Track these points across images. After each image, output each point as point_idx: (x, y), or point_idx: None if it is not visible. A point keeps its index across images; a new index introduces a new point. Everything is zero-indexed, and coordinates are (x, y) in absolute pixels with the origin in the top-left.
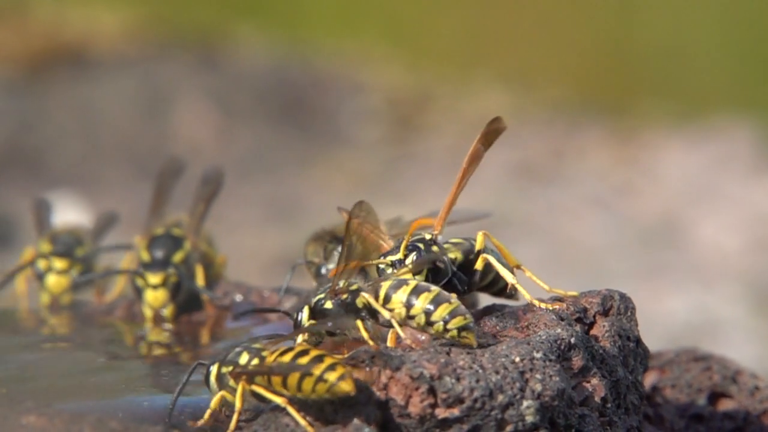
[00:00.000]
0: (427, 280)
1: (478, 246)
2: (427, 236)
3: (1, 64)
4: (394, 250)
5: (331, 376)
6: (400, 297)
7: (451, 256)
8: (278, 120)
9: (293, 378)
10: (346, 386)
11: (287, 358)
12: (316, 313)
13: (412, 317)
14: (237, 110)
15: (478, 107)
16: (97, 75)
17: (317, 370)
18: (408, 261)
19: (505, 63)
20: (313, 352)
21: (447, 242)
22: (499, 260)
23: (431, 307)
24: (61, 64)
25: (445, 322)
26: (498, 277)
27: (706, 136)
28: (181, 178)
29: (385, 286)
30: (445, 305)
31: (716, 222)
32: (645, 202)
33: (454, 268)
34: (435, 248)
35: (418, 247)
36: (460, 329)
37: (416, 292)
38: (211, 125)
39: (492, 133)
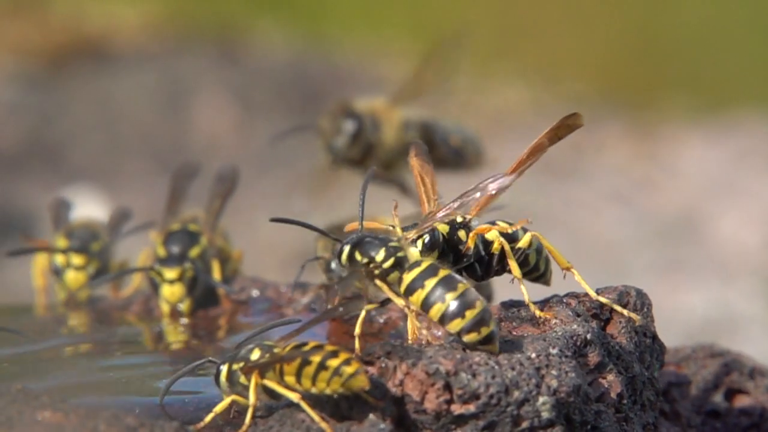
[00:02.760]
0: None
1: (522, 244)
2: (459, 219)
3: (22, 58)
4: (411, 227)
5: (347, 370)
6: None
7: (488, 237)
8: (297, 114)
9: (308, 371)
10: (361, 380)
11: (300, 351)
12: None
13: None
14: (256, 104)
15: (497, 101)
16: (117, 69)
17: (333, 363)
18: (419, 244)
19: (526, 57)
20: (328, 348)
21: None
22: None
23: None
24: (81, 59)
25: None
26: (534, 263)
27: (726, 131)
28: (195, 179)
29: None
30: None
31: (735, 217)
32: (664, 197)
33: (482, 252)
34: (461, 232)
35: (434, 228)
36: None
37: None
38: (230, 119)
39: (564, 128)
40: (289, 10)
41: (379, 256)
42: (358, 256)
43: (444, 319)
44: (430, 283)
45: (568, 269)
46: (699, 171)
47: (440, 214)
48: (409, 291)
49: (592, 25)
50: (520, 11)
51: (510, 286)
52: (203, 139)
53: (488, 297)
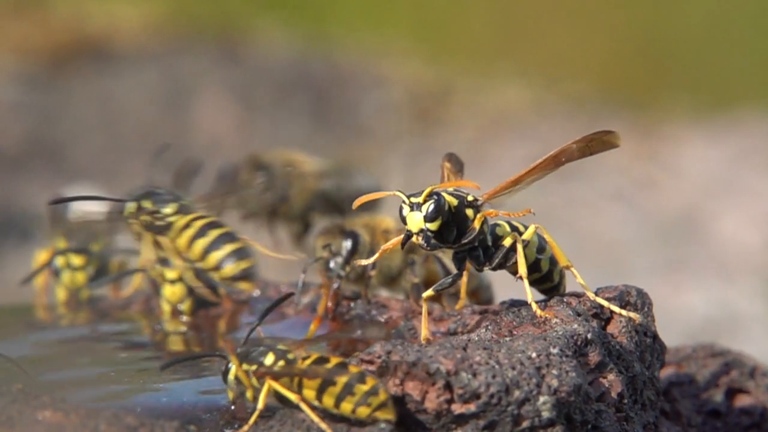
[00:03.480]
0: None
1: (526, 236)
2: (470, 198)
3: (23, 57)
4: (418, 194)
5: (375, 400)
6: None
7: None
8: (299, 113)
9: (331, 393)
10: (389, 414)
11: (324, 369)
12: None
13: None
14: (258, 103)
15: (499, 101)
16: (119, 68)
17: (361, 389)
18: (424, 208)
19: (528, 57)
20: (353, 369)
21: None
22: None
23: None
24: (82, 58)
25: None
26: (547, 271)
27: (727, 130)
28: (197, 178)
29: None
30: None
31: (737, 217)
32: (665, 197)
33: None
34: (469, 210)
35: (440, 195)
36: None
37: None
38: (231, 118)
39: (598, 142)
40: (291, 9)
41: (167, 209)
42: (146, 205)
43: (219, 265)
44: (213, 233)
45: (567, 268)
46: (700, 170)
47: (450, 185)
48: (192, 239)
49: (594, 25)
50: (521, 11)
51: (511, 286)
52: (205, 139)
53: (489, 300)
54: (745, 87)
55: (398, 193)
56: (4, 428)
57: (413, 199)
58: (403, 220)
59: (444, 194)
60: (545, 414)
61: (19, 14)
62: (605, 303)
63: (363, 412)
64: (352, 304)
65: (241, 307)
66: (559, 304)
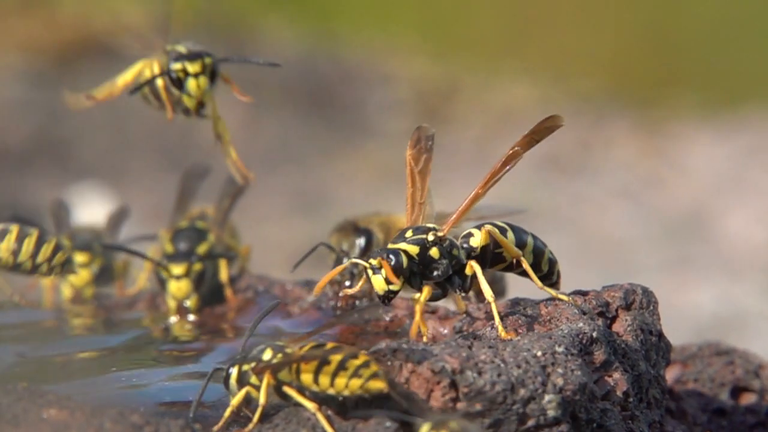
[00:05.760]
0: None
1: (480, 242)
2: (431, 237)
3: (30, 55)
4: (375, 254)
5: (366, 372)
6: None
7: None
8: (305, 111)
9: (327, 370)
10: (380, 383)
11: (319, 352)
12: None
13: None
14: (264, 101)
15: (505, 99)
16: (125, 66)
17: (353, 364)
18: (382, 272)
19: (535, 54)
20: (347, 349)
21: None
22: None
23: None
24: (89, 56)
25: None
26: (502, 255)
27: (734, 128)
28: (204, 180)
29: None
30: None
31: (744, 214)
32: (672, 194)
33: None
34: (434, 251)
35: (397, 254)
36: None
37: None
38: (238, 116)
39: (542, 131)
40: (297, 7)
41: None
42: None
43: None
44: None
45: (518, 257)
46: (707, 168)
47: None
48: None
49: (601, 22)
50: (528, 8)
51: (519, 285)
52: (211, 137)
53: (501, 292)
54: (753, 85)
55: (358, 261)
56: (9, 426)
57: (372, 261)
58: (369, 282)
59: (402, 247)
60: (550, 412)
61: (26, 12)
62: (554, 293)
63: (355, 384)
64: (357, 302)
65: (247, 303)
66: (564, 303)
